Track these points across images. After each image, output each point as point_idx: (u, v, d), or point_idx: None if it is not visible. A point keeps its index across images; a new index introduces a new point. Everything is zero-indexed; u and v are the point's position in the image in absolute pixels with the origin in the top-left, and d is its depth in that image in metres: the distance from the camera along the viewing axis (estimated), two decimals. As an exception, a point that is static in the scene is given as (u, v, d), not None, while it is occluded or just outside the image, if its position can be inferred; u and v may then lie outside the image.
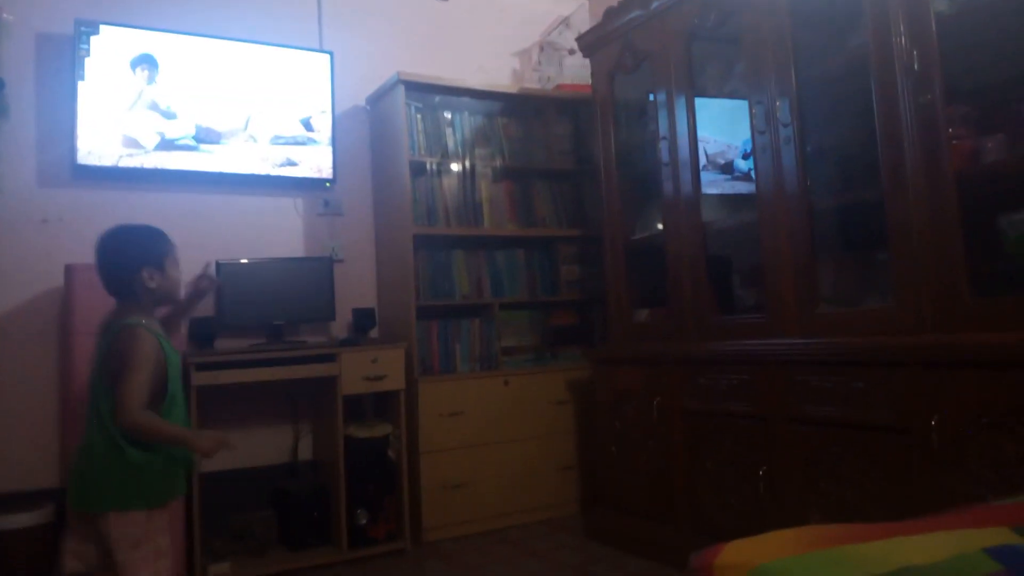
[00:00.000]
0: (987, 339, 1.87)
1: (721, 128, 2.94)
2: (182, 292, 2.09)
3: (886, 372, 2.07)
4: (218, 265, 3.21)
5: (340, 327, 3.55)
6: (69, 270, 2.79)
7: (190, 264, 3.19)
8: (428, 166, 3.54)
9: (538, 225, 3.78)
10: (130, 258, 1.90)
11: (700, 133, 2.84)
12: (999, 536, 0.99)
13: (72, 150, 3.08)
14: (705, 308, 2.78)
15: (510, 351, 3.62)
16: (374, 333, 3.54)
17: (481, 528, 3.35)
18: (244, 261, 3.28)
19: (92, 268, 2.74)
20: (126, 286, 1.90)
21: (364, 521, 3.10)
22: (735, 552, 1.00)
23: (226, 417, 3.26)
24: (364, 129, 3.79)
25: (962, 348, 1.91)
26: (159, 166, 3.23)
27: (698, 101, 2.85)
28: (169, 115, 3.26)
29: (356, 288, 3.65)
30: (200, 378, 2.86)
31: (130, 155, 3.18)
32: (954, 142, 2.02)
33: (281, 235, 3.54)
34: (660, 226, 3.05)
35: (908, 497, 2.01)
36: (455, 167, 3.62)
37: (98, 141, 3.11)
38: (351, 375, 3.10)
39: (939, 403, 1.94)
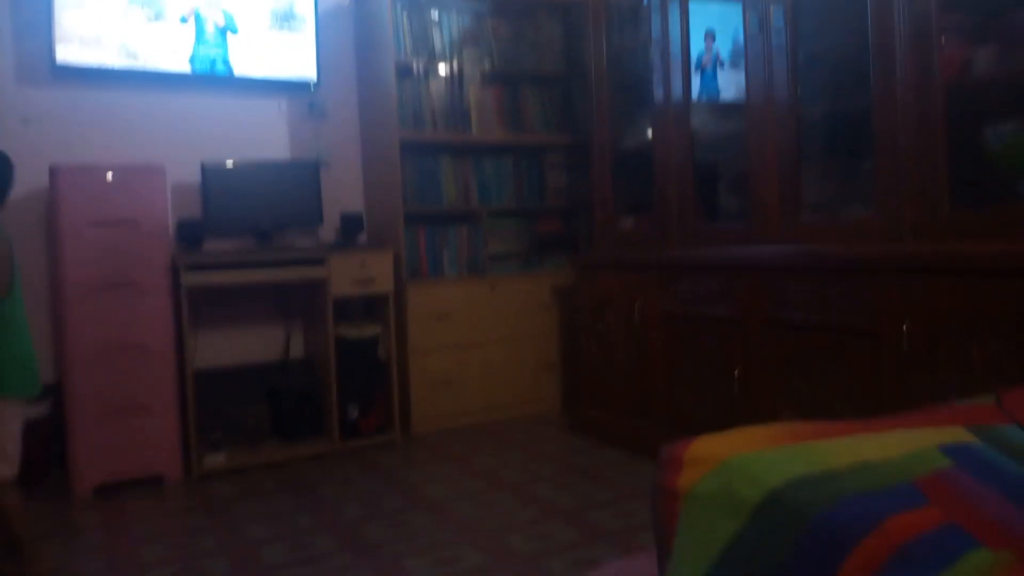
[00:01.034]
0: (960, 248, 1.93)
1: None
2: None
3: (862, 279, 2.14)
4: (203, 167, 3.19)
5: (328, 231, 3.57)
6: (54, 172, 2.76)
7: (177, 167, 3.19)
8: (414, 68, 3.47)
9: (527, 131, 3.75)
10: (12, 168, 2.03)
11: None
12: (954, 434, 1.07)
13: (50, 49, 2.99)
14: (689, 215, 2.82)
15: (497, 257, 3.66)
16: (362, 238, 3.56)
17: (467, 422, 3.49)
18: (229, 164, 3.25)
19: (78, 169, 2.75)
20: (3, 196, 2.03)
21: (355, 415, 3.22)
22: (704, 446, 1.08)
23: (218, 316, 3.33)
24: (349, 29, 3.69)
25: (935, 256, 1.97)
26: (140, 66, 3.15)
27: (692, 6, 2.79)
28: (149, 11, 3.15)
29: (343, 192, 3.64)
30: (190, 279, 2.89)
31: (110, 54, 3.09)
32: (945, 51, 2.02)
33: (266, 138, 3.50)
34: (649, 134, 3.04)
35: (877, 398, 2.12)
36: (442, 70, 3.55)
37: (76, 39, 3.02)
38: (340, 278, 3.14)
39: (911, 309, 2.02)
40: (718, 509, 1.00)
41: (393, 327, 3.29)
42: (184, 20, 3.22)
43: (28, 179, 3.02)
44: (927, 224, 2.05)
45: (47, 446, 2.89)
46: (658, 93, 2.92)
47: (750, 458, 1.02)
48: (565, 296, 3.68)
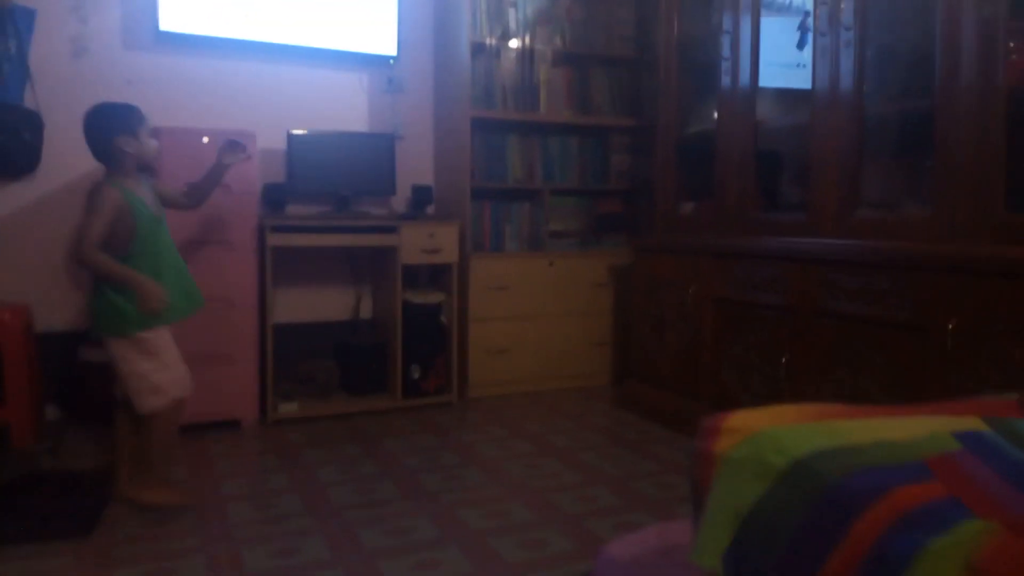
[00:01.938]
0: (1010, 252, 1.99)
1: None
2: (157, 159, 2.39)
3: (912, 276, 2.21)
4: (289, 135, 3.41)
5: (399, 202, 3.76)
6: (155, 133, 2.97)
7: (264, 133, 3.41)
8: (488, 45, 3.60)
9: (593, 113, 3.86)
10: (108, 127, 2.20)
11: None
12: (969, 423, 1.18)
13: (154, 16, 3.22)
14: (749, 204, 2.90)
15: (556, 235, 3.80)
16: (430, 210, 3.74)
17: (520, 389, 3.68)
18: (313, 133, 3.46)
19: (177, 132, 2.97)
20: (106, 153, 2.21)
21: (417, 375, 3.43)
22: (741, 417, 1.22)
23: (296, 275, 3.56)
24: (428, 6, 3.83)
25: (984, 257, 2.03)
26: (236, 36, 3.37)
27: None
28: (243, -17, 3.36)
29: (415, 165, 3.82)
30: (275, 239, 3.12)
31: (209, 22, 3.31)
32: (1011, 58, 2.06)
33: (347, 110, 3.69)
34: (714, 121, 3.12)
35: (918, 390, 2.19)
36: (515, 47, 3.67)
37: (179, 8, 3.25)
38: (410, 247, 3.34)
39: (958, 308, 2.09)
40: (749, 472, 1.13)
41: (456, 295, 3.48)
42: (276, -5, 3.42)
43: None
44: (981, 226, 2.11)
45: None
46: (725, 82, 3.00)
47: (781, 430, 1.15)
48: (621, 275, 3.81)
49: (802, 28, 2.89)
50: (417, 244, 3.35)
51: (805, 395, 2.54)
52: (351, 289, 3.75)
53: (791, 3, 2.95)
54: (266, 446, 2.95)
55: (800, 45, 2.91)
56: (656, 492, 2.48)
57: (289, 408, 3.23)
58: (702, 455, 1.23)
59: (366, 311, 3.76)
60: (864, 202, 2.51)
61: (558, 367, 3.76)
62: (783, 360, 2.63)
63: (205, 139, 2.98)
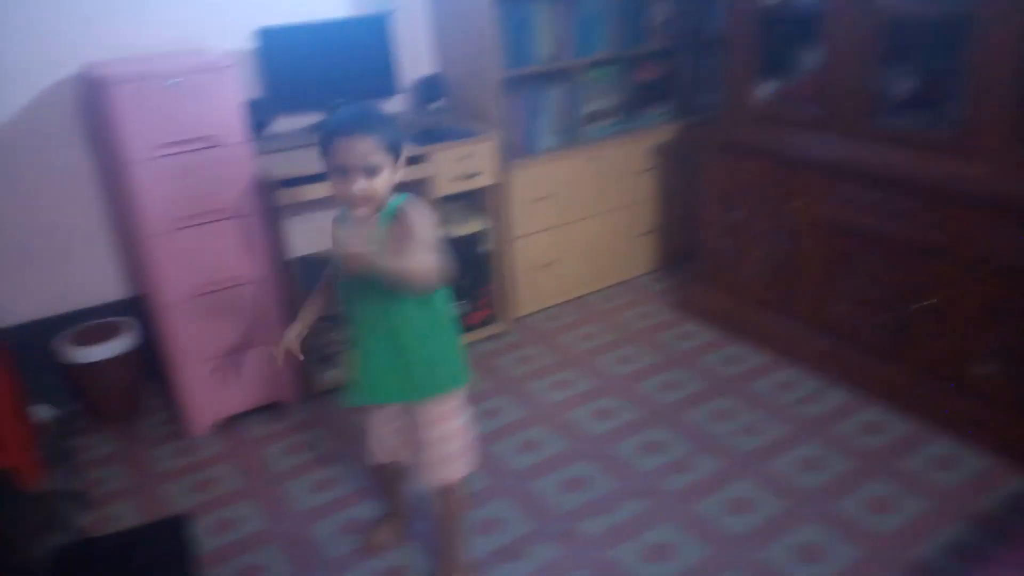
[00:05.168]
0: None
1: None
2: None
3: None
4: (263, 32, 2.67)
5: (401, 98, 3.05)
6: (109, 84, 2.13)
7: (216, 35, 2.59)
8: None
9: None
10: None
11: None
12: None
13: None
14: (864, 104, 2.38)
15: (593, 116, 3.20)
16: (441, 103, 3.04)
17: (566, 298, 3.35)
18: (285, 26, 2.69)
19: (136, 81, 2.17)
20: None
21: (463, 311, 3.00)
22: None
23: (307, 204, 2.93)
24: None
25: None
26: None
27: None
28: None
29: (410, 48, 3.04)
30: (282, 197, 2.47)
31: None
32: None
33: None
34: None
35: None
36: None
37: None
38: (443, 177, 2.73)
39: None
40: None
41: (498, 218, 2.95)
42: None
43: (48, 72, 2.45)
44: None
45: (136, 380, 2.71)
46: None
47: None
48: (665, 155, 3.34)
49: None
50: (451, 171, 2.74)
51: (955, 347, 2.26)
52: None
53: None
54: (314, 432, 2.58)
55: None
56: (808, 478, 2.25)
57: (330, 375, 2.79)
58: None
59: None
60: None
61: (602, 266, 3.39)
62: (934, 302, 2.28)
63: (174, 82, 2.20)
